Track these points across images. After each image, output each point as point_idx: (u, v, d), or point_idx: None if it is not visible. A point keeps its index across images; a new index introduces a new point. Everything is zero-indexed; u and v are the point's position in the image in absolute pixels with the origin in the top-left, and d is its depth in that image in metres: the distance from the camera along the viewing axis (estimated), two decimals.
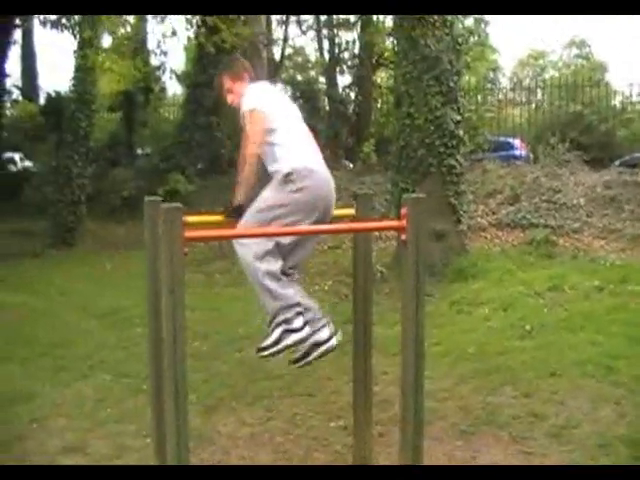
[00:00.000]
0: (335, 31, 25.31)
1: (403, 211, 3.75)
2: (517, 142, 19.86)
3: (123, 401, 5.70)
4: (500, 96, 22.78)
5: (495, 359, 6.18)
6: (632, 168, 13.64)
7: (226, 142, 17.54)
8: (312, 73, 30.06)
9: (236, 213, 3.81)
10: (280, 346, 3.84)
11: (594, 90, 20.79)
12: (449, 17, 9.84)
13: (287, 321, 3.82)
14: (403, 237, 3.75)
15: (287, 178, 3.77)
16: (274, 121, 3.89)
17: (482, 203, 12.30)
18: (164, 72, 23.94)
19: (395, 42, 10.86)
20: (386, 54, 22.59)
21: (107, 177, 17.91)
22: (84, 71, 14.80)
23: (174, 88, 30.23)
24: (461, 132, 9.83)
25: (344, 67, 25.68)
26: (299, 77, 28.42)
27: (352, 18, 24.62)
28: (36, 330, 7.89)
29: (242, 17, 14.50)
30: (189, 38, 20.57)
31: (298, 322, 3.84)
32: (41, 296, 9.64)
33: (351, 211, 4.34)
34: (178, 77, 28.07)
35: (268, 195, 3.82)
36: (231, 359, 6.64)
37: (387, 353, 5.99)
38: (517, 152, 18.95)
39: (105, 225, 15.30)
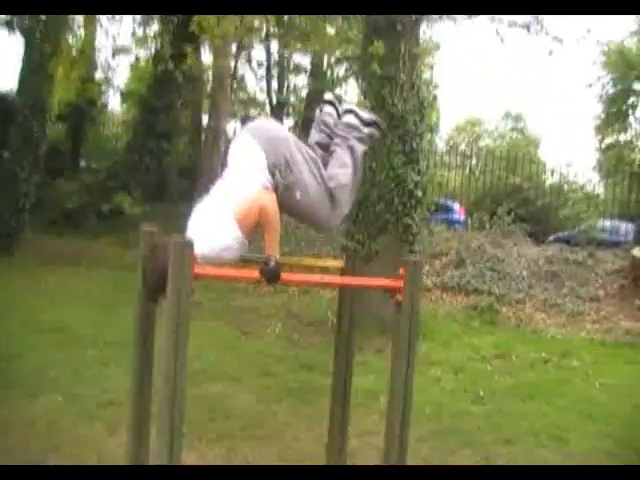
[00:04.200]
0: (285, 73, 25.64)
1: (401, 272, 3.86)
2: (456, 206, 20.42)
3: (77, 427, 5.57)
4: (437, 158, 23.25)
5: (451, 421, 6.32)
6: (565, 244, 14.30)
7: (175, 171, 17.51)
8: (253, 111, 29.87)
9: (276, 273, 3.46)
10: None
11: (532, 165, 21.91)
12: (416, 81, 10.13)
13: None
14: (399, 297, 3.85)
15: None
16: None
17: (427, 264, 12.55)
18: (110, 88, 23.98)
19: (363, 97, 11.03)
20: None
21: (49, 187, 17.49)
22: (40, 76, 14.41)
23: (112, 104, 29.59)
24: (420, 193, 10.00)
25: (289, 110, 25.89)
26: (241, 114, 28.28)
27: (307, 64, 25.11)
28: None
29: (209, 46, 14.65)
30: (137, 58, 20.69)
31: None
32: None
33: (337, 263, 4.45)
34: (123, 95, 27.90)
35: None
36: (188, 395, 6.54)
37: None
38: (456, 216, 19.47)
39: (44, 236, 14.91)
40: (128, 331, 7.99)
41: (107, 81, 22.43)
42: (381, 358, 8.17)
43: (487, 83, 68.74)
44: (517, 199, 19.20)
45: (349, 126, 4.13)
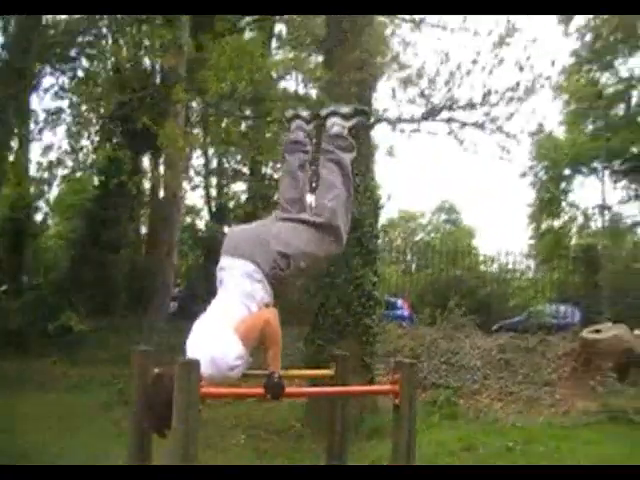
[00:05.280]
0: (224, 180, 25.84)
1: (396, 376, 4.02)
2: (400, 302, 20.71)
3: None
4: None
5: None
6: (512, 331, 14.75)
7: (123, 283, 17.45)
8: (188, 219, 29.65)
9: (280, 387, 3.54)
10: None
11: (471, 256, 22.79)
12: (371, 182, 10.44)
13: None
14: (396, 401, 4.01)
15: None
16: None
17: (382, 362, 12.60)
18: (46, 201, 23.76)
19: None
20: None
21: None
22: None
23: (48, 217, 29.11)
24: (377, 293, 10.22)
25: (231, 216, 26.08)
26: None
27: (245, 169, 25.42)
28: None
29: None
30: (73, 169, 20.59)
31: None
32: None
33: (328, 372, 4.57)
34: (53, 210, 27.48)
35: None
36: None
37: None
38: (402, 312, 19.72)
39: None
40: (91, 457, 7.76)
41: (42, 194, 22.21)
42: (350, 461, 8.14)
43: (418, 177, 70.39)
44: (461, 291, 19.68)
45: (335, 136, 4.14)
